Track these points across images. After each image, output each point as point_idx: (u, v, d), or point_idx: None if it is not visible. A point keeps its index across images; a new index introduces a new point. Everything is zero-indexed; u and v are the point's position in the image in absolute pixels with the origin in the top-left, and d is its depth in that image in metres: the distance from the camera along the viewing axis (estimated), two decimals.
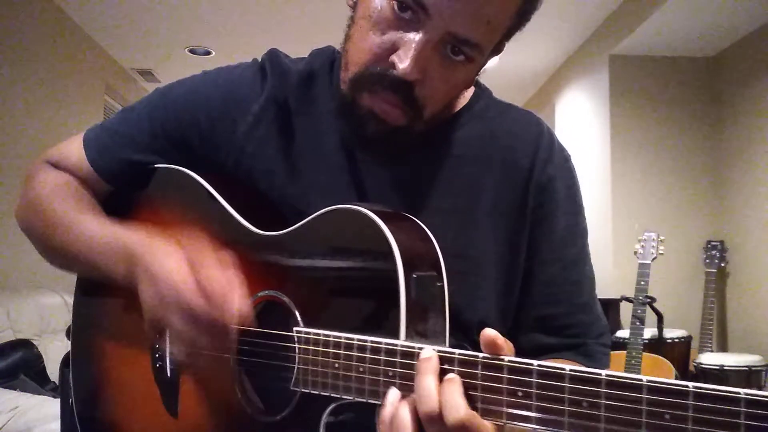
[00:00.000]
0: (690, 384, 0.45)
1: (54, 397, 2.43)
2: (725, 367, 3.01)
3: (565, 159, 0.84)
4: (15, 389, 2.49)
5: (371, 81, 0.71)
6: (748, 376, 3.01)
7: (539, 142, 0.82)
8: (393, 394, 0.59)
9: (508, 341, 0.57)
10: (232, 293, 0.68)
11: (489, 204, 0.80)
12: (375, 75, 0.70)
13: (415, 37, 0.68)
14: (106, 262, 0.76)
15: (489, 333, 0.55)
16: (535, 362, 0.51)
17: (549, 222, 0.80)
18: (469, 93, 0.86)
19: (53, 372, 2.82)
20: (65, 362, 0.93)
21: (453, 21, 0.67)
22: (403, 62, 0.68)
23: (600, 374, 0.48)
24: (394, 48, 0.69)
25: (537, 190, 0.80)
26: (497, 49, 0.77)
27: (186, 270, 0.68)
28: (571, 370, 0.50)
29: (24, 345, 2.78)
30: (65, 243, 0.82)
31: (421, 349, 0.58)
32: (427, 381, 0.55)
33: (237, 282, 0.69)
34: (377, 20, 0.70)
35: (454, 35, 0.68)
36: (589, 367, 0.76)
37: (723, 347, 3.67)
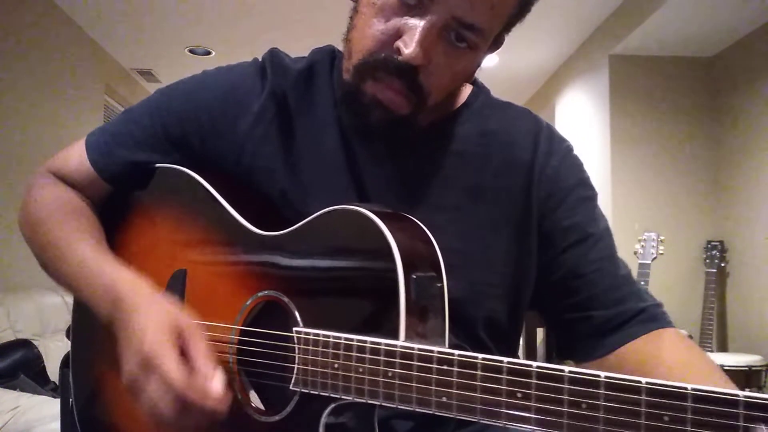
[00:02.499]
0: (689, 386, 0.45)
1: (54, 397, 2.43)
2: (725, 367, 3.01)
3: (569, 148, 0.85)
4: (15, 389, 2.49)
5: (376, 67, 0.71)
6: (748, 376, 3.01)
7: (538, 137, 0.83)
8: None
9: None
10: (212, 372, 0.66)
11: (491, 200, 0.80)
12: (379, 61, 0.71)
13: (420, 22, 0.68)
14: (91, 297, 0.76)
15: None
16: (534, 363, 0.51)
17: (565, 209, 0.80)
18: (467, 91, 0.86)
19: (53, 372, 2.82)
20: (65, 362, 0.93)
21: (458, 6, 0.67)
22: (408, 47, 0.68)
23: (599, 376, 0.48)
24: (398, 34, 0.70)
25: (542, 182, 0.80)
26: (497, 42, 0.77)
27: (176, 350, 0.66)
28: (569, 372, 0.50)
29: (24, 345, 2.78)
30: (57, 267, 0.81)
31: (421, 350, 0.58)
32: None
33: (212, 353, 0.68)
34: (381, 7, 0.70)
35: (459, 20, 0.68)
36: (663, 329, 0.77)
37: (723, 347, 3.67)
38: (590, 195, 0.84)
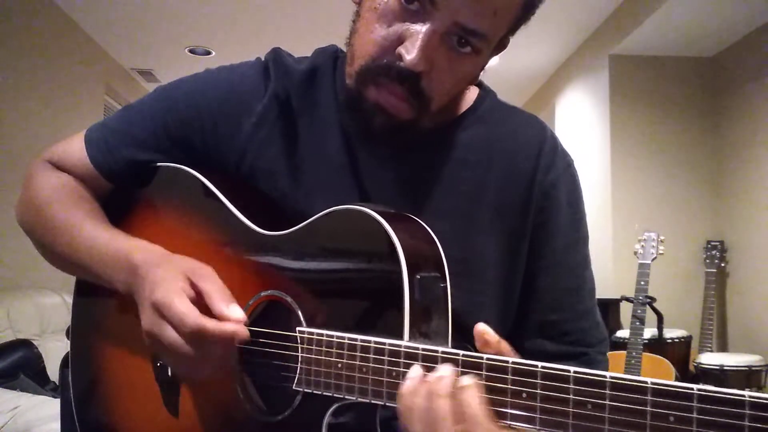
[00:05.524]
0: (695, 386, 0.45)
1: (54, 397, 2.43)
2: (725, 367, 3.01)
3: (568, 164, 0.84)
4: (15, 389, 2.49)
5: (378, 73, 0.71)
6: (748, 376, 3.01)
7: (542, 147, 0.82)
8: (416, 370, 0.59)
9: (502, 341, 0.58)
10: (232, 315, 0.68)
11: (490, 207, 0.80)
12: (381, 67, 0.70)
13: (422, 28, 0.68)
14: (107, 270, 0.77)
15: (480, 326, 0.58)
16: (540, 364, 0.51)
17: (550, 227, 0.80)
18: (473, 95, 0.85)
19: (53, 372, 2.82)
20: (65, 362, 0.93)
21: (460, 11, 0.67)
22: (410, 53, 0.68)
23: (605, 376, 0.48)
24: (400, 40, 0.69)
25: (539, 194, 0.80)
26: (502, 44, 0.77)
27: (188, 291, 0.68)
28: (575, 372, 0.50)
29: (24, 345, 2.78)
30: (65, 249, 0.81)
31: (425, 350, 0.58)
32: (443, 405, 0.55)
33: (236, 305, 0.69)
34: (383, 12, 0.70)
35: (462, 26, 0.68)
36: None
37: (723, 347, 3.67)
38: (578, 217, 0.83)
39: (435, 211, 0.78)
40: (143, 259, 0.73)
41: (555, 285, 0.81)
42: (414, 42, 0.68)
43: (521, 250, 0.80)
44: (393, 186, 0.80)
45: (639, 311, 2.91)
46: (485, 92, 0.87)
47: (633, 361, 2.83)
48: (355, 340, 0.63)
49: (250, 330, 0.73)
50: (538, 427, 0.52)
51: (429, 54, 0.68)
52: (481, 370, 0.55)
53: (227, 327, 0.66)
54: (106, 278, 0.77)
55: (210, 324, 0.65)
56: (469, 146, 0.81)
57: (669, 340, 3.16)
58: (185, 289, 0.68)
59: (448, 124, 0.82)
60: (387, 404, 0.61)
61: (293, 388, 0.68)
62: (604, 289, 3.65)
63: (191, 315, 0.65)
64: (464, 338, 0.77)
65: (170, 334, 0.66)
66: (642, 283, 2.96)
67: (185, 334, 0.65)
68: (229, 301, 0.68)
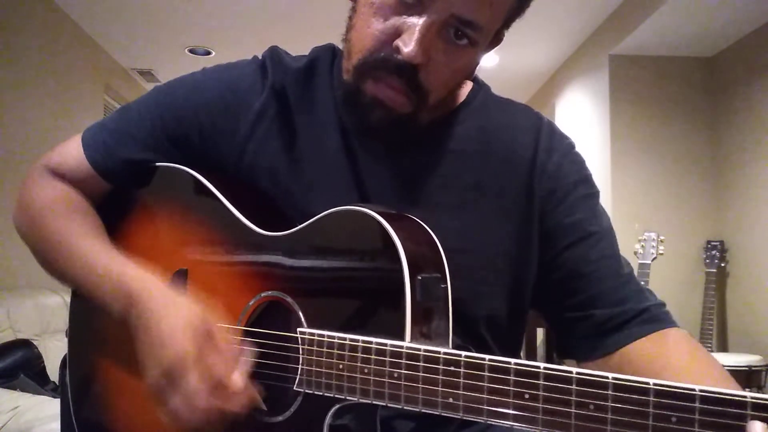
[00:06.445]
0: (696, 387, 0.45)
1: (54, 397, 2.43)
2: (725, 367, 3.01)
3: (571, 145, 0.84)
4: (15, 389, 2.48)
5: (375, 67, 0.71)
6: (748, 376, 3.01)
7: (539, 133, 0.82)
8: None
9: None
10: (233, 367, 0.67)
11: (492, 197, 0.80)
12: (379, 60, 0.71)
13: (419, 20, 0.68)
14: (102, 294, 0.75)
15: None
16: (542, 365, 0.51)
17: (567, 206, 0.80)
18: (467, 89, 0.86)
19: (53, 372, 2.82)
20: (65, 362, 0.93)
21: (456, 3, 0.67)
22: (407, 46, 0.68)
23: (607, 377, 0.48)
24: (397, 33, 0.70)
25: (544, 179, 0.80)
26: (497, 38, 0.77)
27: (192, 351, 0.66)
28: (578, 373, 0.50)
29: (24, 345, 2.78)
30: (62, 265, 0.81)
31: (427, 351, 0.58)
32: None
33: (237, 354, 0.68)
34: (380, 6, 0.70)
35: (458, 17, 0.68)
36: (667, 329, 0.76)
37: (723, 347, 3.67)
38: (592, 193, 0.83)
39: (434, 204, 0.79)
40: (141, 294, 0.71)
41: (592, 255, 0.79)
42: (411, 34, 0.68)
43: (529, 239, 0.80)
44: (391, 181, 0.80)
45: None
46: (479, 86, 0.87)
47: None
48: (357, 341, 0.63)
49: (251, 331, 0.73)
50: (540, 428, 0.51)
51: (426, 46, 0.69)
52: (483, 371, 0.55)
53: (231, 414, 0.65)
54: (99, 301, 0.76)
55: (217, 412, 0.65)
56: (465, 138, 0.82)
57: None
58: (197, 358, 0.65)
59: (443, 118, 0.82)
60: (388, 405, 0.61)
61: (294, 388, 0.68)
62: None
63: (203, 397, 0.64)
64: (468, 328, 0.77)
65: (177, 403, 0.65)
66: (642, 283, 2.95)
67: (192, 410, 0.64)
68: (240, 375, 0.67)
